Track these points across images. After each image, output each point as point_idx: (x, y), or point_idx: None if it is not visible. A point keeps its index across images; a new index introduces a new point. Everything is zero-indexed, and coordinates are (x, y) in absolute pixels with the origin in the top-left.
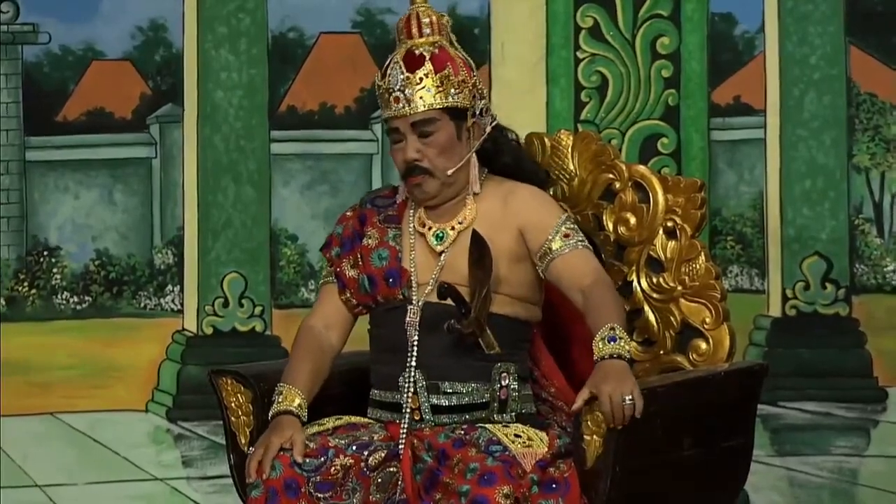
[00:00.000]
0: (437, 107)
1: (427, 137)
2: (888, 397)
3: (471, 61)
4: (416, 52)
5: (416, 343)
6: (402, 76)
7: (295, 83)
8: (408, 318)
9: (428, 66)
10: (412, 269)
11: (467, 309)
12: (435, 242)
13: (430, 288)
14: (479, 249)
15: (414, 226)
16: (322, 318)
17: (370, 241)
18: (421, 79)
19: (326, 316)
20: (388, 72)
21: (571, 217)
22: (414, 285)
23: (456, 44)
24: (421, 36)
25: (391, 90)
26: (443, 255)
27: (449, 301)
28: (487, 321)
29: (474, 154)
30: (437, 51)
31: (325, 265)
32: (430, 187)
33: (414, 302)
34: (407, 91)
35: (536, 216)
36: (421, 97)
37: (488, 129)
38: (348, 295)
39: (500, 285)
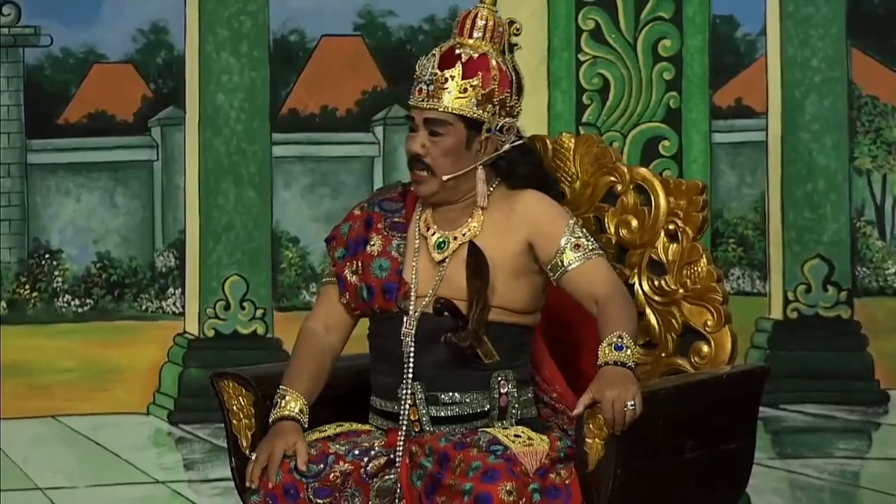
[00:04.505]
0: (453, 112)
1: (436, 137)
2: (889, 400)
3: (514, 77)
4: (457, 51)
5: (412, 355)
6: (431, 70)
7: (296, 86)
8: (403, 330)
9: (458, 69)
10: (413, 279)
11: (464, 322)
12: (435, 251)
13: (427, 300)
14: (476, 260)
15: (419, 229)
16: (322, 319)
17: (373, 248)
18: (447, 79)
19: (327, 317)
20: (426, 60)
21: (578, 221)
22: (412, 296)
23: (507, 55)
24: (470, 37)
25: (420, 79)
26: (442, 265)
27: (446, 314)
28: (485, 331)
29: (483, 168)
30: (475, 56)
31: (327, 264)
32: (428, 188)
33: (410, 313)
34: (431, 86)
35: (544, 225)
36: (441, 97)
37: (506, 146)
38: (347, 299)
39: (498, 299)
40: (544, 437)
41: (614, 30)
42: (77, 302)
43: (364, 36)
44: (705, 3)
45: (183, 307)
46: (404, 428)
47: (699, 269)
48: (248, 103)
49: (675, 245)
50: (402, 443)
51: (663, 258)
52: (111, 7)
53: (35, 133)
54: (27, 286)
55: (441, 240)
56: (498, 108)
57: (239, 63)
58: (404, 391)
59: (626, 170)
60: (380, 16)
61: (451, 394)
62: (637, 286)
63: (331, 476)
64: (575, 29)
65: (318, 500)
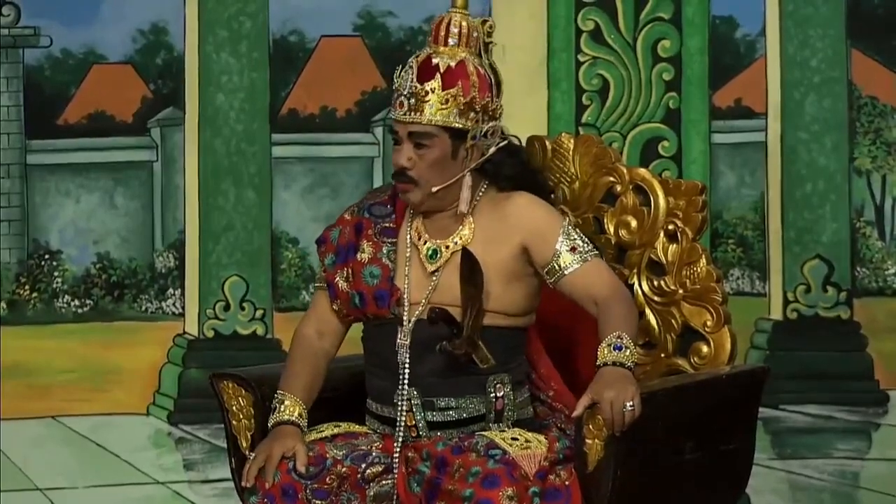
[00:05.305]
0: (437, 123)
1: (421, 149)
2: (889, 400)
3: (493, 79)
4: (433, 61)
5: (407, 363)
6: (411, 83)
7: (296, 86)
8: (398, 339)
9: (437, 80)
10: (405, 287)
11: (459, 329)
12: (428, 261)
13: (421, 307)
14: (469, 267)
15: (410, 237)
16: (315, 324)
17: (363, 255)
18: (427, 92)
19: (319, 323)
20: (403, 73)
21: (571, 221)
22: (406, 304)
23: (485, 57)
24: (445, 44)
25: (400, 92)
26: (435, 274)
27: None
28: (480, 336)
29: (469, 174)
30: (453, 64)
31: (319, 269)
32: (414, 197)
33: (404, 322)
34: (412, 100)
35: (538, 229)
36: (423, 110)
37: (492, 150)
38: (339, 305)
39: (493, 303)
40: (542, 439)
41: (614, 30)
42: (77, 303)
43: (363, 36)
44: (705, 3)
45: (183, 308)
46: (401, 433)
47: (699, 269)
48: (247, 104)
49: (674, 245)
50: (398, 450)
51: (663, 259)
52: (111, 7)
53: (35, 133)
54: (27, 287)
55: (433, 248)
56: (480, 114)
57: (239, 64)
58: (400, 398)
59: (625, 170)
60: (379, 16)
61: (446, 399)
62: (636, 286)
63: (327, 479)
64: (574, 30)
65: (316, 502)
